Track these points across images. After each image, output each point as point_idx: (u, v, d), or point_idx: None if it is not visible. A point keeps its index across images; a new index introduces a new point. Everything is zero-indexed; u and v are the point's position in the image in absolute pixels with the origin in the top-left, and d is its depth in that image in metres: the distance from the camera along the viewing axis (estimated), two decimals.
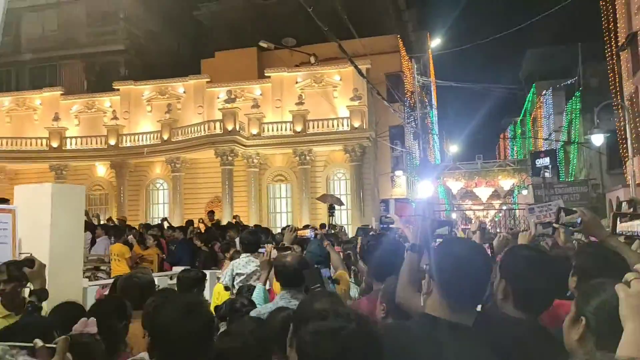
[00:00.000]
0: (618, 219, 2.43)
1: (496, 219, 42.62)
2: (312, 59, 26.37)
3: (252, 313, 3.29)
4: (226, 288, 5.69)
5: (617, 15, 19.19)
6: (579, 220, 2.67)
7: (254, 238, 6.15)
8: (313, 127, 24.80)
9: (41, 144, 26.22)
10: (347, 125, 24.62)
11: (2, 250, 5.86)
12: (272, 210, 26.09)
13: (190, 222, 15.77)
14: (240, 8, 33.50)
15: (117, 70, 33.46)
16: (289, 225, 6.24)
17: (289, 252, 4.26)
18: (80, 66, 35.56)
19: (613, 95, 19.02)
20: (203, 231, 14.09)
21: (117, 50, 35.43)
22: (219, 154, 24.08)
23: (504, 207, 37.68)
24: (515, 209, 32.73)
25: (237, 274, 5.80)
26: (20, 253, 5.98)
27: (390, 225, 6.68)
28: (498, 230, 22.69)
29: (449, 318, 1.79)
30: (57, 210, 6.07)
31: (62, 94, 28.19)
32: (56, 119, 26.38)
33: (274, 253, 4.48)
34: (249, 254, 5.88)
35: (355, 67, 16.69)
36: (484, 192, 33.89)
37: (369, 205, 24.93)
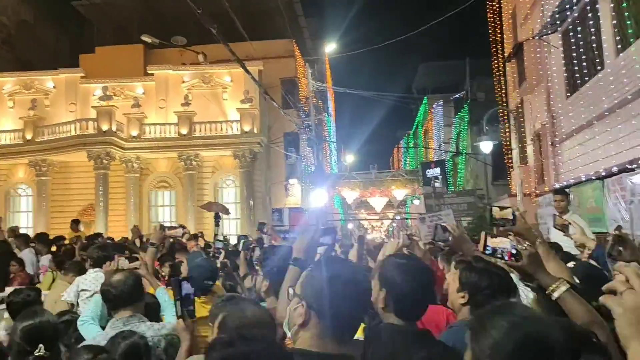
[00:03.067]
0: (488, 236, 2.36)
1: (390, 230, 43.12)
2: (201, 57, 24.63)
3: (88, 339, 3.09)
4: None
5: (504, 27, 19.52)
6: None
7: (103, 253, 5.57)
8: (200, 130, 23.11)
9: None
10: (237, 129, 23.20)
11: None
12: (154, 220, 23.88)
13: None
14: (126, 2, 31.05)
15: None
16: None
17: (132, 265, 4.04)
18: None
19: (499, 106, 19.25)
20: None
21: None
22: (92, 156, 21.65)
23: (397, 217, 38.05)
24: (408, 219, 33.03)
25: (82, 290, 5.33)
26: None
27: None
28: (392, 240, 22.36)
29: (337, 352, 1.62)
30: None
31: None
32: None
33: (124, 264, 4.20)
34: (97, 270, 5.36)
35: (244, 67, 15.35)
36: (378, 202, 33.98)
37: (260, 214, 23.61)
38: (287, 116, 22.43)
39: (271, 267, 3.53)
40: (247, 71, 14.39)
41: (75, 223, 16.02)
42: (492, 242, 2.35)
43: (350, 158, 49.22)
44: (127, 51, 26.25)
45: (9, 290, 5.32)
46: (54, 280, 7.29)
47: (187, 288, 2.76)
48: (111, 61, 25.01)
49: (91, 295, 5.05)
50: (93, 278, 5.29)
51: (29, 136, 22.44)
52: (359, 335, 1.94)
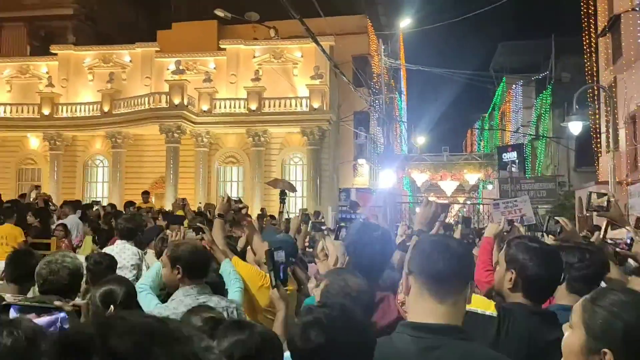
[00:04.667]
0: (609, 226, 2.44)
1: (460, 214, 41.73)
2: (272, 32, 24.40)
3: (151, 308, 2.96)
4: None
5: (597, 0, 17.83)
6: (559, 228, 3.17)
7: (131, 225, 5.41)
8: (269, 106, 22.91)
9: None
10: (307, 106, 22.81)
11: None
12: (221, 194, 24.10)
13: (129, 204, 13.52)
14: None
15: (64, 37, 30.72)
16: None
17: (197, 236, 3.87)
18: (23, 30, 32.73)
19: (590, 85, 17.68)
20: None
21: (65, 15, 32.70)
22: (164, 130, 21.97)
23: (468, 202, 36.67)
24: (480, 204, 31.69)
25: None
26: None
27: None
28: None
29: (442, 321, 1.58)
30: None
31: None
32: None
33: (189, 235, 4.08)
34: (125, 241, 5.23)
35: (316, 41, 14.90)
36: (449, 185, 32.82)
37: (326, 194, 23.26)
38: (358, 93, 21.76)
39: (352, 242, 3.15)
40: (318, 44, 13.89)
41: (145, 195, 16.28)
42: (611, 234, 2.35)
43: (421, 139, 47.90)
44: (201, 26, 26.38)
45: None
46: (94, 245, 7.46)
47: (280, 256, 2.76)
48: (186, 36, 25.22)
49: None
50: (120, 250, 5.12)
51: (106, 108, 23.06)
52: (492, 311, 2.12)
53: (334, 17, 23.97)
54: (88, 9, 33.55)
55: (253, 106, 22.82)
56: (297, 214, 5.59)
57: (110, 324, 0.78)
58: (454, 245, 1.68)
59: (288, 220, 12.79)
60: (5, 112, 23.90)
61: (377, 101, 25.65)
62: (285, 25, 24.27)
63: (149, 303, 3.11)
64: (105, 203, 20.36)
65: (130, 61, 24.71)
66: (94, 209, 12.95)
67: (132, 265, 5.10)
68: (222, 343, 1.65)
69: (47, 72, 24.64)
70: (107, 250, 5.29)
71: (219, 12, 23.11)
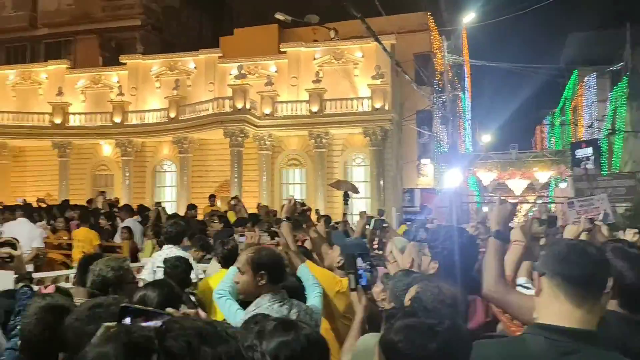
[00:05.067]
0: None
1: (530, 214, 40.13)
2: (332, 33, 24.31)
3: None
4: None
5: None
6: None
7: (178, 229, 5.43)
8: (330, 108, 22.82)
9: (44, 120, 24.87)
10: (368, 106, 22.55)
11: None
12: (285, 196, 24.23)
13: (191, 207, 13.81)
14: None
15: (133, 47, 31.93)
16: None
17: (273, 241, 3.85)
18: (95, 42, 34.29)
19: None
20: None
21: (133, 26, 34.01)
22: (228, 134, 22.31)
23: (539, 201, 35.18)
24: (552, 203, 30.30)
25: (158, 267, 5.15)
26: None
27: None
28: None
29: (578, 325, 1.56)
30: None
31: (68, 68, 26.76)
32: (59, 93, 25.01)
33: (264, 239, 4.00)
34: (171, 246, 5.29)
35: (377, 40, 14.68)
36: (518, 184, 31.61)
37: (390, 194, 22.90)
38: (421, 92, 21.27)
39: (441, 248, 3.05)
40: (380, 42, 13.64)
41: (212, 198, 16.53)
42: None
43: (486, 137, 46.39)
44: (263, 31, 26.67)
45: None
46: (154, 248, 7.50)
47: (362, 262, 2.78)
48: (247, 41, 25.57)
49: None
50: (166, 254, 5.10)
51: (172, 114, 23.71)
52: None
53: (395, 15, 23.60)
54: (154, 19, 34.73)
55: (314, 108, 22.79)
56: (360, 216, 5.45)
57: (166, 326, 0.91)
58: (593, 251, 1.66)
59: (345, 222, 12.59)
60: (80, 120, 25.03)
61: (440, 99, 25.03)
62: (346, 26, 24.17)
63: (229, 309, 3.02)
64: (174, 207, 20.99)
65: (195, 68, 25.31)
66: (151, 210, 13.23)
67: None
68: (269, 344, 1.64)
69: (118, 82, 25.65)
70: (155, 255, 5.38)
71: (280, 16, 23.27)
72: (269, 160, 23.66)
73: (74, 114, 25.10)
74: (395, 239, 5.09)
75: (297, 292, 3.11)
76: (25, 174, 26.22)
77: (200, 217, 12.57)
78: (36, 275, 7.18)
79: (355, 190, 19.96)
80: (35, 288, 2.75)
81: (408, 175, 26.16)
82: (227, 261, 4.62)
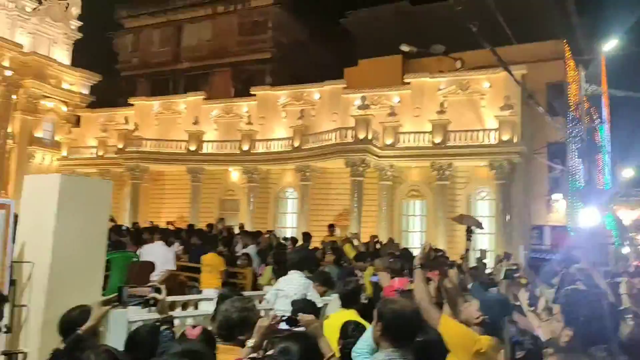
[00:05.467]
0: None
1: None
2: (459, 64, 23.76)
3: None
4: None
5: None
6: None
7: (301, 256, 5.76)
8: (455, 139, 22.17)
9: (181, 147, 26.82)
10: (495, 138, 21.60)
11: None
12: (404, 228, 23.81)
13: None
14: (388, 15, 32.00)
15: (262, 78, 33.73)
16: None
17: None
18: (229, 74, 36.69)
19: None
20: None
21: (263, 59, 35.96)
22: (349, 163, 22.48)
23: None
24: None
25: (278, 290, 5.43)
26: (14, 262, 4.66)
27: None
28: None
29: None
30: (65, 209, 4.64)
31: (204, 99, 28.75)
32: (195, 122, 26.88)
33: None
34: (295, 271, 5.49)
35: (508, 71, 14.13)
36: None
37: (516, 231, 21.60)
38: (554, 123, 19.99)
39: (577, 314, 2.71)
40: (510, 72, 13.03)
41: (331, 227, 16.62)
42: None
43: (628, 172, 42.41)
44: (387, 62, 26.80)
45: None
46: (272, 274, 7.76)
47: (511, 332, 2.60)
48: (371, 72, 25.81)
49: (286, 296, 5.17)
50: (289, 279, 5.42)
51: (296, 144, 24.44)
52: None
53: (527, 44, 22.61)
54: (283, 53, 36.45)
55: (438, 139, 22.29)
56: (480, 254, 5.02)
57: None
58: None
59: (480, 259, 11.85)
60: (212, 148, 26.67)
61: (575, 131, 23.34)
62: (472, 56, 23.49)
63: None
64: (294, 234, 21.43)
65: (319, 98, 25.99)
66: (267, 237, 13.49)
67: (295, 294, 5.28)
68: None
69: (247, 111, 27.05)
70: (281, 279, 5.61)
71: (405, 47, 23.18)
72: (389, 191, 23.44)
73: (207, 141, 26.82)
74: (545, 291, 4.67)
75: (434, 349, 2.89)
76: (163, 197, 28.39)
77: (317, 245, 12.66)
78: (169, 298, 7.58)
79: (479, 226, 18.82)
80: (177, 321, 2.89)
81: (537, 211, 24.56)
82: (347, 301, 4.52)
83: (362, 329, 3.60)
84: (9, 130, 29.13)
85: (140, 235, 9.50)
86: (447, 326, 3.11)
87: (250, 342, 2.97)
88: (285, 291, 5.51)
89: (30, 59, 29.39)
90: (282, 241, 13.05)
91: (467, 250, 15.97)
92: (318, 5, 38.09)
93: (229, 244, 10.97)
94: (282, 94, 26.89)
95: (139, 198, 26.94)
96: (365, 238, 17.98)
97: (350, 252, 8.30)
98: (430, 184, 23.17)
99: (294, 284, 5.48)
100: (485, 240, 21.83)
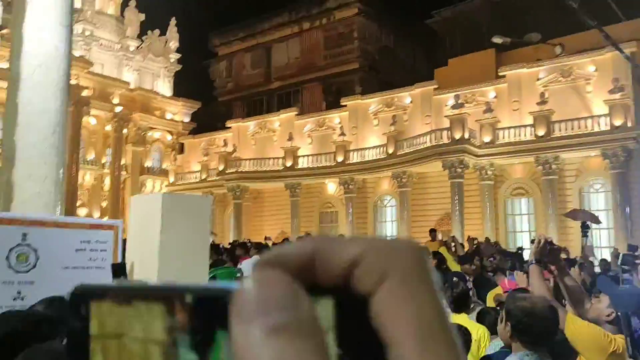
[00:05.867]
0: None
1: None
2: (558, 49, 22.22)
3: None
4: None
5: None
6: None
7: None
8: (560, 130, 20.76)
9: (277, 164, 27.45)
10: (606, 125, 19.96)
11: (99, 277, 4.81)
12: (510, 229, 22.61)
13: None
14: (475, 10, 30.91)
15: (352, 88, 33.84)
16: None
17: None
18: (319, 88, 37.19)
19: None
20: None
21: (351, 70, 36.09)
22: (446, 165, 21.78)
23: None
24: None
25: None
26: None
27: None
28: None
29: None
30: (169, 227, 4.78)
31: (296, 115, 29.29)
32: (290, 138, 27.39)
33: None
34: None
35: (617, 47, 13.03)
36: None
37: (639, 224, 19.71)
38: None
39: None
40: (620, 49, 11.95)
41: (432, 232, 16.11)
42: None
43: None
44: (478, 58, 25.86)
45: None
46: None
47: (636, 323, 2.40)
48: (463, 70, 24.99)
49: None
50: None
51: (390, 150, 24.12)
52: None
53: (634, 19, 20.85)
54: (371, 61, 36.38)
55: (540, 132, 21.00)
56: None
57: None
58: None
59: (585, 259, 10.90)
60: (307, 162, 27.04)
61: None
62: (572, 40, 22.02)
63: None
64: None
65: (411, 102, 25.53)
66: None
67: None
68: None
69: (339, 123, 27.17)
70: None
71: (497, 39, 22.14)
72: (491, 190, 22.40)
73: (302, 156, 27.24)
74: None
75: (565, 350, 2.60)
76: (263, 214, 29.17)
77: None
78: None
79: (596, 220, 17.55)
80: None
81: None
82: (457, 305, 4.33)
83: (467, 334, 3.37)
84: (122, 162, 31.44)
85: (234, 251, 9.72)
86: (576, 326, 2.79)
87: None
88: None
89: (137, 94, 31.66)
90: None
91: (584, 247, 14.76)
92: (402, 10, 37.74)
93: None
94: (373, 102, 26.75)
95: (241, 217, 27.86)
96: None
97: (447, 256, 7.94)
98: (535, 180, 21.86)
99: None
100: (603, 236, 20.18)
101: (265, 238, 15.52)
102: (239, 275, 7.74)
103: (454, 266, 7.45)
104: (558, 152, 20.74)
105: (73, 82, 28.08)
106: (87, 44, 30.13)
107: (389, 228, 25.43)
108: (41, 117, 4.14)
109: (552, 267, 3.45)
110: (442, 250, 8.27)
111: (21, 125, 4.12)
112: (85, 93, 28.32)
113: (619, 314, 2.75)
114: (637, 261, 7.25)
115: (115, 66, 31.58)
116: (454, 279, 5.29)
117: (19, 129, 4.15)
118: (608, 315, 2.74)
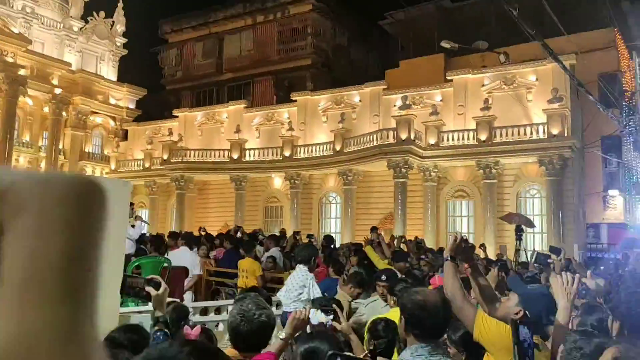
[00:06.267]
0: None
1: None
2: (502, 58, 22.96)
3: None
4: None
5: None
6: None
7: (307, 252, 6.14)
8: (501, 136, 21.38)
9: (224, 156, 27.04)
10: (544, 133, 20.69)
11: None
12: (451, 230, 23.12)
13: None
14: (428, 15, 31.42)
15: (303, 85, 33.75)
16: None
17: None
18: (270, 82, 36.92)
19: None
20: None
21: (304, 65, 36.00)
22: (391, 165, 22.03)
23: None
24: None
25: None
26: None
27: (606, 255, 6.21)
28: None
29: None
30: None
31: (245, 107, 28.94)
32: (237, 131, 27.04)
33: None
34: (302, 265, 5.92)
35: (555, 58, 13.65)
36: None
37: (570, 230, 20.59)
38: (608, 115, 18.98)
39: (626, 305, 2.64)
40: (559, 61, 12.44)
41: (373, 231, 16.21)
42: None
43: None
44: (428, 61, 26.31)
45: None
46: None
47: (524, 333, 2.37)
48: (413, 73, 25.36)
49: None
50: (295, 273, 5.98)
51: (337, 147, 24.20)
52: None
53: (576, 34, 21.68)
54: (324, 58, 36.40)
55: (483, 136, 21.57)
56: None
57: None
58: None
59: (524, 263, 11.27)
60: (254, 155, 26.77)
61: (631, 122, 22.17)
62: (517, 51, 22.78)
63: None
64: (338, 238, 21.20)
65: (360, 101, 25.69)
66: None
67: (300, 286, 5.73)
68: None
69: (288, 118, 27.04)
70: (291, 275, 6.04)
71: (446, 44, 22.64)
72: (434, 192, 22.84)
73: (250, 149, 26.94)
74: (591, 280, 4.24)
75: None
76: (208, 206, 28.67)
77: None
78: (199, 304, 7.48)
79: (530, 224, 18.25)
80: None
81: (592, 208, 23.47)
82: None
83: (393, 326, 3.37)
84: (60, 146, 30.18)
85: (162, 241, 9.43)
86: (485, 324, 2.79)
87: (282, 334, 2.86)
88: (287, 284, 5.86)
89: (79, 76, 30.46)
90: (308, 239, 13.10)
91: (518, 250, 15.22)
92: (357, 9, 37.96)
93: (250, 248, 10.84)
94: (322, 98, 26.76)
95: (184, 208, 27.30)
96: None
97: (372, 254, 8.05)
98: (476, 183, 22.45)
99: (298, 277, 5.77)
100: (537, 240, 20.94)
101: (199, 229, 15.27)
102: (165, 265, 7.49)
103: (381, 264, 7.53)
104: (498, 157, 21.35)
105: (9, 59, 26.78)
106: (27, 21, 28.72)
107: (333, 224, 25.53)
108: None
109: (465, 265, 3.47)
110: (368, 249, 8.35)
111: None
112: (22, 72, 26.98)
113: (527, 313, 2.77)
114: (549, 261, 7.51)
115: (57, 46, 30.26)
116: (383, 276, 5.32)
117: None
118: (516, 314, 2.76)
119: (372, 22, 36.17)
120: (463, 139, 22.17)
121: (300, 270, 5.83)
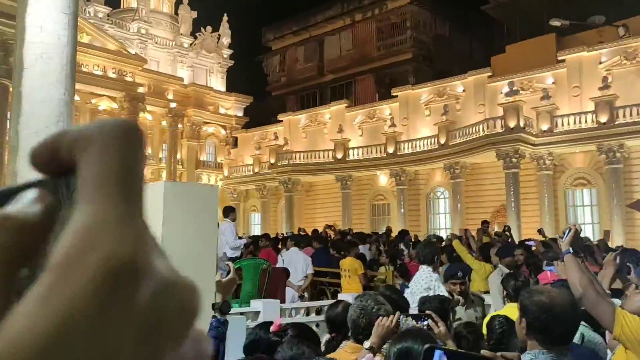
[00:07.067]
0: None
1: None
2: (622, 30, 20.95)
3: None
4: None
5: None
6: None
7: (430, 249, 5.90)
8: (624, 116, 19.48)
9: (328, 156, 27.28)
10: None
11: None
12: (571, 221, 21.45)
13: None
14: None
15: (405, 80, 33.14)
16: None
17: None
18: (372, 80, 36.70)
19: None
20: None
21: (405, 60, 35.36)
22: (501, 155, 20.91)
23: None
24: None
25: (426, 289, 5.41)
26: None
27: None
28: None
29: None
30: (171, 216, 4.70)
31: (346, 107, 29.01)
32: (340, 131, 27.16)
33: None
34: (426, 266, 5.64)
35: None
36: None
37: None
38: None
39: None
40: None
41: (484, 224, 15.50)
42: None
43: None
44: (537, 43, 24.70)
45: None
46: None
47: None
48: (520, 57, 23.96)
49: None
50: (419, 276, 5.51)
51: (442, 140, 23.45)
52: None
53: None
54: (425, 51, 35.51)
55: (603, 118, 19.78)
56: None
57: None
58: None
59: None
60: (358, 154, 26.74)
61: None
62: (638, 22, 20.68)
63: None
64: (448, 234, 20.52)
65: (463, 91, 24.73)
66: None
67: (425, 288, 5.39)
68: None
69: (390, 114, 26.68)
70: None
71: (555, 22, 21.09)
72: (550, 181, 21.34)
73: (353, 148, 26.95)
74: None
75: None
76: (315, 206, 29.12)
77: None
78: (302, 305, 7.59)
79: None
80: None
81: None
82: (518, 295, 4.13)
83: (511, 323, 3.16)
84: (178, 156, 32.25)
85: (257, 242, 9.62)
86: (627, 320, 2.46)
87: (367, 343, 2.73)
88: (411, 286, 5.65)
89: (191, 90, 32.35)
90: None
91: None
92: None
93: (346, 248, 10.76)
94: (424, 92, 26.10)
95: (293, 209, 27.93)
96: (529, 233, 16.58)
97: (460, 249, 7.60)
98: (598, 169, 20.64)
99: (422, 278, 5.56)
100: None
101: (298, 230, 15.57)
102: (265, 266, 7.63)
103: (469, 259, 7.12)
104: (622, 140, 19.48)
105: (129, 79, 29.07)
106: (142, 42, 31.03)
107: (442, 220, 24.78)
108: (43, 106, 4.15)
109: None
110: (455, 243, 7.91)
111: (25, 115, 4.15)
112: (140, 90, 29.18)
113: None
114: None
115: (170, 63, 32.37)
116: (459, 272, 5.20)
117: (22, 118, 4.18)
118: None
119: (474, 7, 34.61)
120: (580, 122, 20.50)
121: (424, 272, 5.57)
